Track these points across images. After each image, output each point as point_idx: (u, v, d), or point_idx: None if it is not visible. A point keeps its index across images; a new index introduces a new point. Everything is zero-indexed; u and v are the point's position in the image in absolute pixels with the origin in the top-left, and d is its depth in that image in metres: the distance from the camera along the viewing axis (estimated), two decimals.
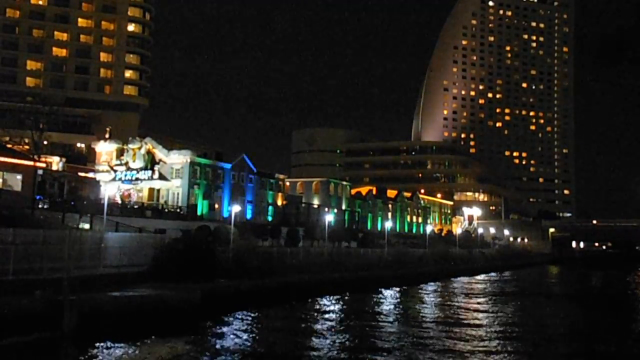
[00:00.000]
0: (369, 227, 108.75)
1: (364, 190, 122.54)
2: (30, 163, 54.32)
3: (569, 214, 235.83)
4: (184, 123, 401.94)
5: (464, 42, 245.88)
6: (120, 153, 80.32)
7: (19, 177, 51.99)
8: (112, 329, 26.86)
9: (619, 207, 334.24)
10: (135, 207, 67.04)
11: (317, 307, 42.63)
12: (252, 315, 36.48)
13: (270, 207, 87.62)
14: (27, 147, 72.90)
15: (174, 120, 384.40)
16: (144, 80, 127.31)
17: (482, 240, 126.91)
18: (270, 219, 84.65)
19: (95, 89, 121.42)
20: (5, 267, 28.84)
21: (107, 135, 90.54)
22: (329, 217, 70.83)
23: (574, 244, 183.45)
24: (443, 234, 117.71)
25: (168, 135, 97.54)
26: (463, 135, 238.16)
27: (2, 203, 43.62)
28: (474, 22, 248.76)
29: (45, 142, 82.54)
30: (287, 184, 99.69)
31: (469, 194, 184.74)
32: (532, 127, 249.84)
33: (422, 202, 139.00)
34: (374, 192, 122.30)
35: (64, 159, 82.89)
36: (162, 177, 75.18)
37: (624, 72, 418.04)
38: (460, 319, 39.73)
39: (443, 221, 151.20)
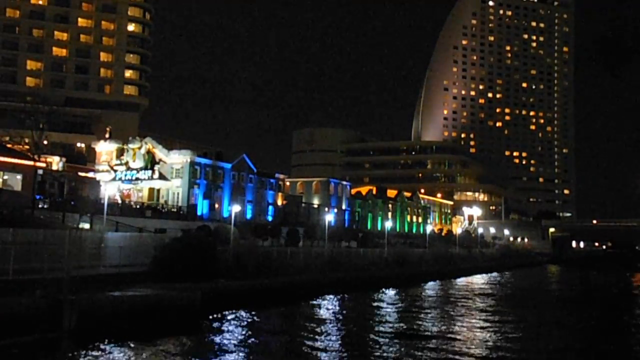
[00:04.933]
0: (369, 227, 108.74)
1: (364, 190, 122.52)
2: (30, 163, 54.31)
3: (569, 214, 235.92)
4: (184, 123, 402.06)
5: (464, 42, 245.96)
6: (120, 153, 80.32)
7: (19, 177, 52.00)
8: (112, 329, 26.84)
9: (619, 207, 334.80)
10: (135, 207, 67.01)
11: (317, 307, 42.60)
12: (252, 315, 36.46)
13: (270, 207, 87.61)
14: (27, 147, 72.87)
15: (174, 120, 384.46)
16: (144, 80, 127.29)
17: (482, 240, 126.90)
18: (270, 219, 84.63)
19: (95, 89, 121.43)
20: (5, 267, 28.83)
21: (107, 135, 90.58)
22: (329, 217, 70.80)
23: (574, 244, 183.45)
24: (443, 234, 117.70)
25: (168, 135, 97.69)
26: (463, 135, 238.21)
27: (2, 203, 43.61)
28: (474, 22, 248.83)
29: (45, 142, 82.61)
30: (287, 184, 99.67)
31: (469, 194, 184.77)
32: (532, 127, 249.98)
33: (422, 202, 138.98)
34: (374, 192, 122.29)
35: (64, 159, 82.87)
36: (162, 177, 75.16)
37: (624, 71, 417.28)
38: (459, 322, 39.68)
39: (443, 221, 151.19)
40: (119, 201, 69.21)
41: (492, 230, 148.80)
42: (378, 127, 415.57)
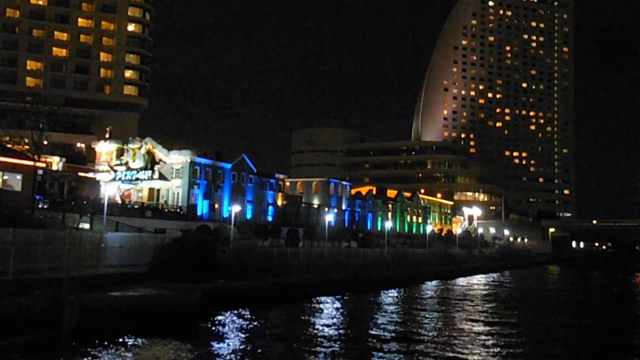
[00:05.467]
0: (369, 227, 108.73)
1: (364, 190, 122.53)
2: (30, 163, 54.30)
3: (569, 214, 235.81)
4: (184, 123, 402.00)
5: (464, 42, 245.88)
6: (120, 153, 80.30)
7: (19, 177, 51.95)
8: (112, 329, 26.84)
9: (619, 207, 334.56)
10: (135, 207, 67.02)
11: (317, 307, 42.60)
12: (252, 315, 36.46)
13: (270, 207, 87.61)
14: (27, 147, 72.89)
15: (174, 120, 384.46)
16: (144, 80, 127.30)
17: (482, 240, 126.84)
18: (270, 219, 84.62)
19: (95, 89, 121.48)
20: (5, 267, 28.82)
21: (107, 135, 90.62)
22: (329, 217, 70.77)
23: (574, 244, 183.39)
24: (443, 234, 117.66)
25: (168, 135, 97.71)
26: (463, 135, 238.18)
27: (2, 203, 43.61)
28: (474, 22, 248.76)
29: (45, 142, 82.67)
30: (287, 184, 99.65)
31: (469, 194, 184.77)
32: (532, 127, 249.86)
33: (422, 202, 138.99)
34: (374, 192, 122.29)
35: (64, 159, 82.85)
36: (162, 177, 75.15)
37: (624, 71, 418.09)
38: (458, 324, 39.67)
39: (443, 221, 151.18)
40: (119, 201, 69.19)
41: (492, 230, 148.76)
42: (378, 127, 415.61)
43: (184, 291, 32.10)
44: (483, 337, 32.49)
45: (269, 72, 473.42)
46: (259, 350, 27.59)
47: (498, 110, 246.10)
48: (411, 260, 74.39)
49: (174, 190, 75.33)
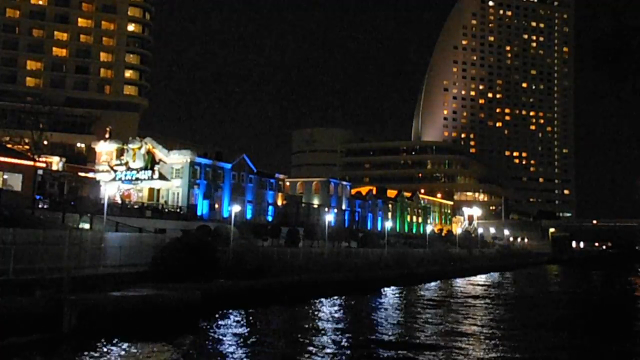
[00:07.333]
0: (369, 227, 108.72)
1: (364, 190, 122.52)
2: (30, 163, 54.34)
3: (569, 214, 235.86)
4: (184, 123, 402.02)
5: (464, 42, 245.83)
6: (120, 153, 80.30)
7: (19, 177, 51.99)
8: (112, 328, 26.85)
9: (619, 207, 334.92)
10: (135, 207, 67.00)
11: (317, 307, 42.60)
12: (252, 315, 36.47)
13: (270, 207, 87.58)
14: (27, 147, 72.85)
15: (174, 120, 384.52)
16: (144, 80, 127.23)
17: (482, 240, 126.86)
18: (270, 219, 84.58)
19: (95, 89, 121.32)
20: (5, 267, 28.83)
21: (107, 135, 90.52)
22: (329, 217, 70.74)
23: (574, 244, 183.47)
24: (443, 234, 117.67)
25: (168, 135, 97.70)
26: (463, 135, 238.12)
27: (2, 203, 43.61)
28: (474, 22, 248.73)
29: (45, 142, 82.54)
30: (287, 184, 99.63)
31: (469, 194, 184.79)
32: (532, 127, 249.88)
33: (422, 202, 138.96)
34: (374, 192, 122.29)
35: (64, 159, 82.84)
36: (162, 177, 75.14)
37: (624, 71, 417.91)
38: (458, 325, 39.68)
39: (443, 221, 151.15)
40: (119, 201, 69.17)
41: (492, 230, 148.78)
42: (378, 127, 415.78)
43: (184, 291, 32.11)
44: (482, 339, 32.47)
45: (268, 72, 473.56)
46: (259, 351, 27.58)
47: (498, 110, 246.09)
48: (411, 260, 74.41)
49: (174, 190, 75.32)
